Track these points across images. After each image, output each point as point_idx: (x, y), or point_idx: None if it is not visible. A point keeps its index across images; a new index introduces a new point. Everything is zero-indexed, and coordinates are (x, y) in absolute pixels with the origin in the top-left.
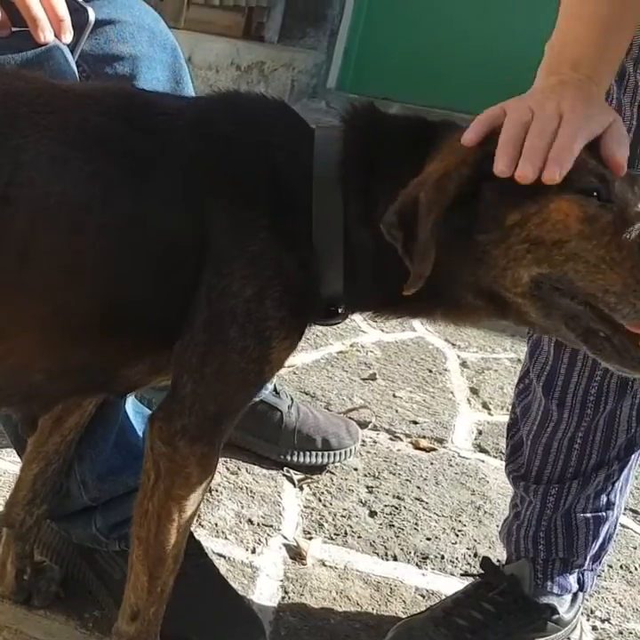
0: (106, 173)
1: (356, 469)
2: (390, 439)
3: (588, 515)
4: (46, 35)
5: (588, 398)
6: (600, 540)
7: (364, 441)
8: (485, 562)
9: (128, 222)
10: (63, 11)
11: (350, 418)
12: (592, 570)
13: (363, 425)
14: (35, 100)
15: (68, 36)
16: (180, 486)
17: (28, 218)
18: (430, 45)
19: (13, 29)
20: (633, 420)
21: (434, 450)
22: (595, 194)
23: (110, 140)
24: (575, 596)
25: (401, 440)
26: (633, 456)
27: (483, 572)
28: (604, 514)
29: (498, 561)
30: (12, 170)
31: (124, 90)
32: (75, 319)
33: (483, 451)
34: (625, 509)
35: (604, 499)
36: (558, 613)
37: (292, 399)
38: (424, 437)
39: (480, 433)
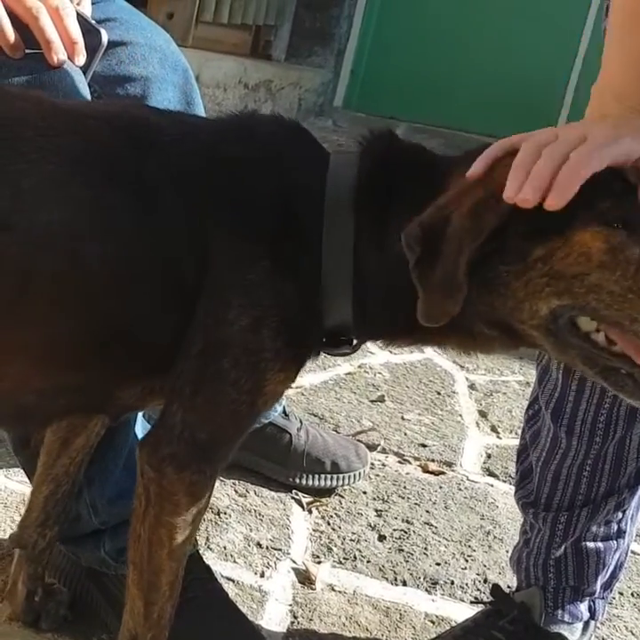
0: (109, 200)
1: (364, 493)
2: (399, 462)
3: (599, 543)
4: (60, 57)
5: (597, 426)
6: (611, 568)
7: (372, 464)
8: (495, 589)
9: (130, 250)
10: (77, 34)
11: (359, 440)
12: (603, 598)
13: (371, 447)
14: (40, 123)
15: (80, 59)
16: (170, 513)
17: (29, 245)
18: (437, 65)
19: (27, 51)
20: None
21: (443, 473)
22: (622, 224)
23: (115, 163)
24: (586, 624)
25: (410, 463)
26: None
27: (493, 599)
28: (614, 542)
29: (508, 587)
30: (14, 196)
31: (131, 112)
32: (72, 344)
33: (492, 475)
34: (636, 536)
35: (614, 527)
36: None
37: (301, 421)
38: (433, 461)
39: (489, 457)
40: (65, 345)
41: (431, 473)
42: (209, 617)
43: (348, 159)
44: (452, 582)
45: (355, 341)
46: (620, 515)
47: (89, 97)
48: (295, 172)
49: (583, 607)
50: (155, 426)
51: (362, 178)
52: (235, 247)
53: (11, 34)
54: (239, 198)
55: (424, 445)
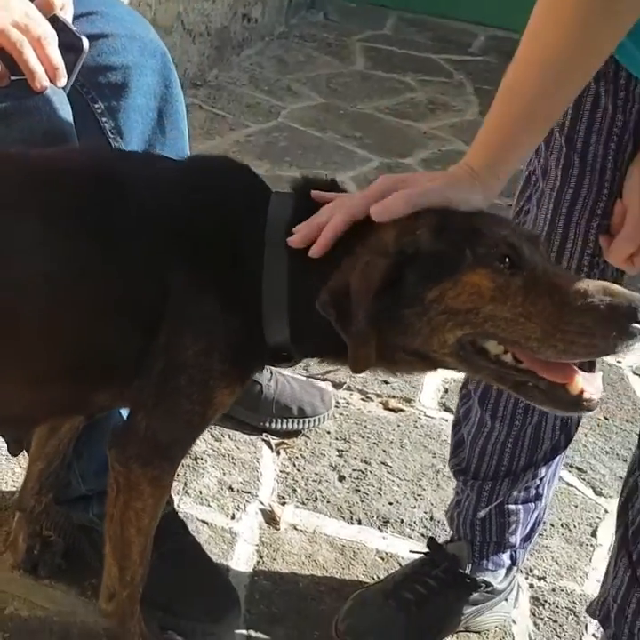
0: (81, 248)
1: (328, 432)
2: (362, 400)
3: (519, 505)
4: (43, 84)
5: (517, 411)
6: (530, 524)
7: (337, 402)
8: (431, 542)
9: (101, 292)
10: (58, 59)
11: (327, 379)
12: (523, 548)
13: (337, 385)
14: (21, 180)
15: (62, 81)
16: (136, 499)
17: (15, 295)
18: None
19: (12, 78)
20: (556, 428)
21: (402, 410)
22: (506, 260)
23: (86, 213)
24: (509, 569)
25: (372, 401)
26: (557, 457)
27: (428, 550)
28: (533, 504)
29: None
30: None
31: (102, 163)
32: (53, 366)
33: (447, 410)
34: (571, 467)
35: (532, 491)
36: (493, 585)
37: (271, 372)
38: (393, 397)
39: (446, 391)
40: (48, 367)
41: (391, 410)
42: (182, 567)
43: (284, 201)
44: (402, 520)
45: (296, 357)
46: (537, 482)
47: (71, 118)
48: (241, 213)
49: (505, 556)
50: (122, 430)
51: (296, 218)
52: (190, 283)
53: None
54: (194, 239)
55: (386, 382)
